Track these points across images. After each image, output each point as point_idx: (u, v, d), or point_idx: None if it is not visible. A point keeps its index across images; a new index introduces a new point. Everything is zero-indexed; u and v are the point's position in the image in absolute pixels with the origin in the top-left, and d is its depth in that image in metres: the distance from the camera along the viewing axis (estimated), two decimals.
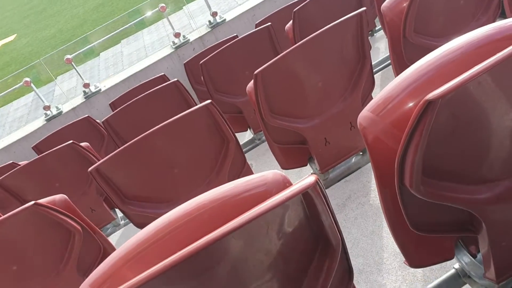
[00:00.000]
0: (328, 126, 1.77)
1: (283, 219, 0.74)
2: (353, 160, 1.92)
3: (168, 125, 1.59)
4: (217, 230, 0.65)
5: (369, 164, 1.88)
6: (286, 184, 0.90)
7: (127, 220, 2.18)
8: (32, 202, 1.46)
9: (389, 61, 2.86)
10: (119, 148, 2.82)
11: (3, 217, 1.50)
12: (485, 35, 1.01)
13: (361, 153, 1.94)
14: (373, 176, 1.79)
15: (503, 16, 1.80)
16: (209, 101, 1.55)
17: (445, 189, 0.86)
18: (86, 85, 4.41)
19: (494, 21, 1.79)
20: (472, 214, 0.90)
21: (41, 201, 1.56)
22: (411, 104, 0.97)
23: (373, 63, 2.14)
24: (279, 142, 1.84)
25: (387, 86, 0.99)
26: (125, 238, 2.54)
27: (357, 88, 1.78)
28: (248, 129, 2.92)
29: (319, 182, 0.67)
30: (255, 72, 1.58)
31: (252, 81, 1.69)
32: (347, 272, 0.93)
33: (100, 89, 4.42)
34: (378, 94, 0.99)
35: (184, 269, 0.72)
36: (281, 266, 0.82)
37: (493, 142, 0.85)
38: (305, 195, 0.68)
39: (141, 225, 1.70)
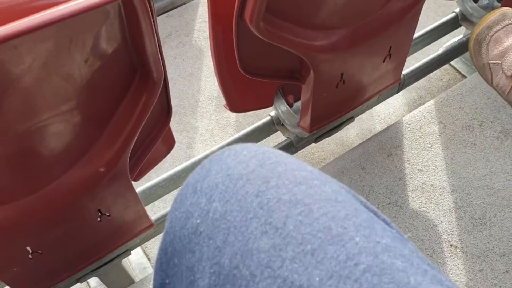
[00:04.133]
0: None
1: (93, 35, 0.56)
2: None
3: None
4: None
5: (195, 1, 1.71)
6: None
7: None
8: None
9: None
10: None
11: None
12: None
13: None
14: (198, 14, 1.64)
15: None
16: None
17: (285, 30, 0.78)
18: None
19: None
20: (303, 61, 0.85)
21: None
22: None
23: None
24: None
25: None
26: None
27: None
28: None
29: None
30: None
31: None
32: (166, 110, 0.82)
33: None
34: None
35: None
36: (85, 96, 0.65)
37: None
38: (127, 5, 0.51)
39: None
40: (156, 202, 1.14)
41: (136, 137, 0.72)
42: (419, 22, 1.38)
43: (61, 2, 0.63)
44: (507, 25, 0.81)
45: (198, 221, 0.32)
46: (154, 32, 0.58)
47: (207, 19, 1.72)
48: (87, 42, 0.54)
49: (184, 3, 1.72)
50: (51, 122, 0.63)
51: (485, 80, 0.83)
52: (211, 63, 0.95)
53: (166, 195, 1.13)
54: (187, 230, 0.32)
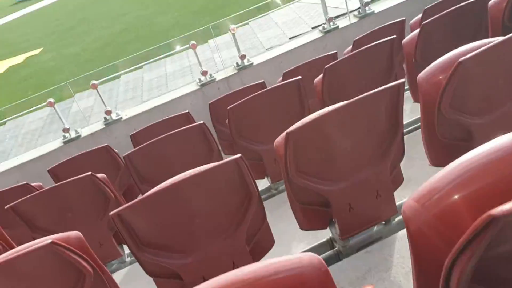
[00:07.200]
0: (354, 192, 1.73)
1: None
2: (374, 229, 1.88)
3: (195, 176, 1.57)
4: None
5: (392, 236, 1.83)
6: (322, 269, 0.87)
7: (133, 258, 2.13)
8: (49, 241, 1.43)
9: (416, 124, 2.85)
10: (135, 183, 2.79)
11: (18, 253, 1.47)
12: None
13: (383, 223, 1.90)
14: (395, 250, 1.74)
15: None
16: (239, 155, 1.53)
17: None
18: (108, 112, 4.44)
19: None
20: None
21: (56, 237, 1.53)
22: (456, 197, 0.94)
23: None
24: (302, 202, 1.80)
25: (432, 177, 0.96)
26: (130, 276, 2.49)
27: (387, 156, 1.75)
28: (266, 177, 2.89)
29: None
30: (287, 131, 1.57)
31: (281, 136, 1.68)
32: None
33: (121, 118, 4.45)
34: (423, 184, 0.97)
35: None
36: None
37: None
38: None
39: (153, 273, 1.66)
40: None
41: None
42: None
43: None
44: None
45: None
46: None
47: (404, 255, 1.81)
48: None
49: (381, 238, 1.86)
50: None
51: None
52: None
53: None
54: None
